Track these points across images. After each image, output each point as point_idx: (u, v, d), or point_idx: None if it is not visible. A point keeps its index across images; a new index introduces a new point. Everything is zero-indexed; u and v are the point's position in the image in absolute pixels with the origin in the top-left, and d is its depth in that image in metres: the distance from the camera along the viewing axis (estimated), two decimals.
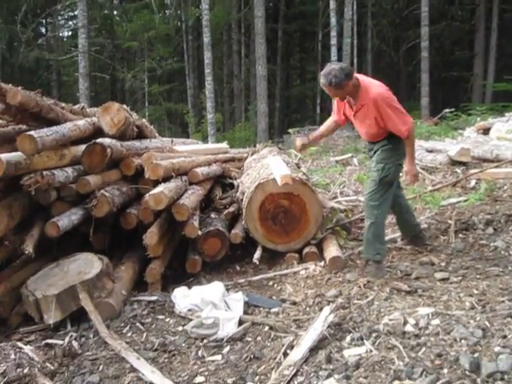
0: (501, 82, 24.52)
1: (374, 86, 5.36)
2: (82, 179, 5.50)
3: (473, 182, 8.35)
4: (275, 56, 35.19)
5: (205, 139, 22.39)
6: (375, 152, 5.58)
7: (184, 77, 32.76)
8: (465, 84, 32.33)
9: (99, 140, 5.73)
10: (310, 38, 38.84)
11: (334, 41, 23.00)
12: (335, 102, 5.85)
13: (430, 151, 11.12)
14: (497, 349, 3.56)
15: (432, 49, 31.25)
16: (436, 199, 7.78)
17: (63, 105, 6.41)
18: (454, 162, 9.85)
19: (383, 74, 40.21)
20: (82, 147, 5.76)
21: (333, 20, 23.52)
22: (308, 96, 40.27)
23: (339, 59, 22.51)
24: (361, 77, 5.45)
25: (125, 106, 6.52)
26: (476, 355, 3.50)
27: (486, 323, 3.98)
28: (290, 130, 19.14)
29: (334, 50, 22.88)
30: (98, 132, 6.24)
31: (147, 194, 5.65)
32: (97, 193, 5.49)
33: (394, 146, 5.45)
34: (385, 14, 34.50)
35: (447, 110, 19.56)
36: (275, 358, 3.95)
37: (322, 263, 5.90)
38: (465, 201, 7.58)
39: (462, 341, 3.75)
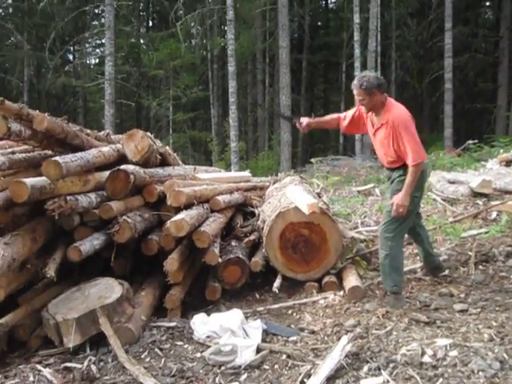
0: None
1: (397, 108, 5.47)
2: (105, 205, 5.59)
3: (494, 214, 8.30)
4: (299, 86, 35.35)
5: (228, 167, 22.49)
6: (392, 181, 5.61)
7: (208, 105, 33.02)
8: (488, 116, 32.24)
9: (123, 166, 5.82)
10: (334, 68, 39.02)
11: (357, 72, 22.96)
12: (355, 110, 5.88)
13: (452, 182, 11.08)
14: None
15: (455, 80, 31.19)
16: (457, 231, 7.75)
17: (88, 131, 6.52)
18: (476, 194, 9.81)
19: (407, 106, 39.60)
20: (106, 173, 5.85)
21: (357, 51, 23.66)
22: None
23: None
24: (389, 98, 5.56)
25: (149, 134, 6.60)
26: None
27: (505, 355, 4.00)
28: (313, 160, 19.16)
29: None
30: (122, 159, 6.34)
31: (169, 221, 5.71)
32: (119, 218, 5.56)
33: None
34: (409, 45, 34.55)
35: (470, 142, 19.50)
36: None
37: (342, 293, 5.92)
38: (485, 233, 7.55)
39: (480, 373, 3.77)
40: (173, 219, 5.67)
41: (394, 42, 32.87)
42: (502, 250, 6.76)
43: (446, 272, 6.33)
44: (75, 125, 6.18)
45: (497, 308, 5.17)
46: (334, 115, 6.27)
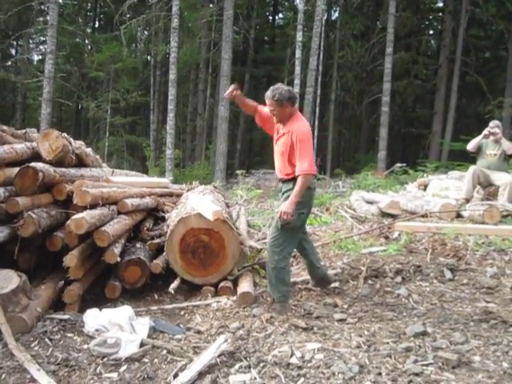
0: (458, 141, 25.28)
1: (301, 122, 5.78)
2: (12, 200, 5.75)
3: (396, 234, 8.69)
4: None
5: (162, 174, 22.59)
6: (283, 194, 5.85)
7: (149, 111, 33.06)
8: (424, 141, 33.09)
9: (32, 164, 5.98)
10: (275, 83, 39.35)
11: (296, 88, 23.33)
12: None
13: (370, 202, 11.51)
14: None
15: (394, 104, 32.06)
16: (357, 247, 8.08)
17: (4, 128, 6.67)
18: (384, 214, 10.26)
19: (345, 125, 41.08)
20: (17, 169, 6.02)
21: (297, 68, 24.13)
22: (270, 140, 40.78)
23: (301, 107, 22.95)
24: (299, 112, 5.89)
25: (65, 134, 6.76)
26: None
27: (366, 361, 4.34)
28: (238, 172, 19.42)
29: None
30: (37, 157, 6.48)
31: (70, 219, 5.92)
32: (25, 213, 5.75)
33: None
34: (351, 67, 35.24)
35: (398, 165, 20.13)
36: (166, 379, 4.22)
37: (235, 297, 6.17)
38: (384, 250, 7.91)
39: (339, 375, 4.09)
40: (73, 217, 5.87)
41: (336, 61, 33.52)
42: (393, 267, 7.10)
43: (337, 284, 6.67)
44: None
45: (373, 319, 5.51)
46: (255, 102, 6.37)
